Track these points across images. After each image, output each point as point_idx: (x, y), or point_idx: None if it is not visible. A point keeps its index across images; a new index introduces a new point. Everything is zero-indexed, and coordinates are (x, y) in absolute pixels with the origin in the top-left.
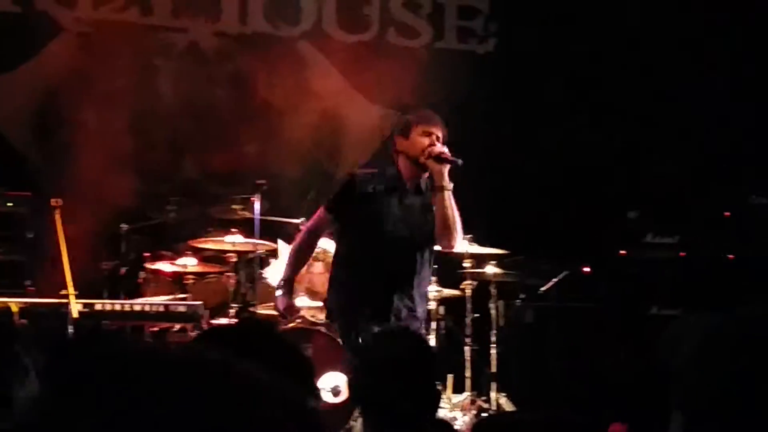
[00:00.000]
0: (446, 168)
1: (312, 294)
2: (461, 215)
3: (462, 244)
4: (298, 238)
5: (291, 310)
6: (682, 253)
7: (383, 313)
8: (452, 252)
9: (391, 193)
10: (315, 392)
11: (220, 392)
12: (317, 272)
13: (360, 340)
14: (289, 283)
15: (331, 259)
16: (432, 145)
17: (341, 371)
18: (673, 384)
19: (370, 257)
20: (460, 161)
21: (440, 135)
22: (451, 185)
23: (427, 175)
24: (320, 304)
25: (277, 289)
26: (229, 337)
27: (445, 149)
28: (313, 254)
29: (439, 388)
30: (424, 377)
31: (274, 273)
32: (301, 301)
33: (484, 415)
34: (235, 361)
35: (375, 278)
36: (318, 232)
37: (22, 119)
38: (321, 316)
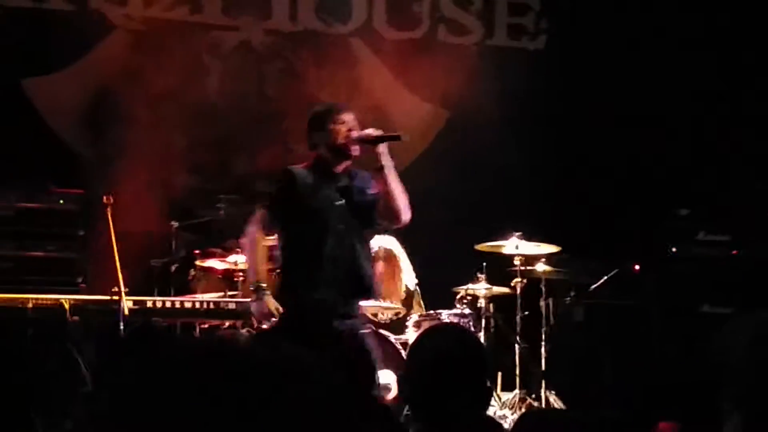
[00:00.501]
0: (384, 147)
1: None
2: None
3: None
4: (248, 245)
5: (268, 317)
6: (734, 251)
7: (342, 301)
8: (501, 252)
9: (326, 183)
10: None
11: (293, 386)
12: (378, 271)
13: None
14: (261, 289)
15: (392, 258)
16: (351, 130)
17: (391, 369)
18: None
19: (319, 250)
20: (403, 135)
21: (353, 119)
22: (391, 162)
23: (349, 163)
24: (382, 303)
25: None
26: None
27: (371, 130)
28: (375, 253)
29: (490, 386)
30: (475, 375)
31: None
32: None
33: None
34: (303, 354)
35: (326, 270)
36: (263, 233)
37: (75, 117)
38: (382, 315)
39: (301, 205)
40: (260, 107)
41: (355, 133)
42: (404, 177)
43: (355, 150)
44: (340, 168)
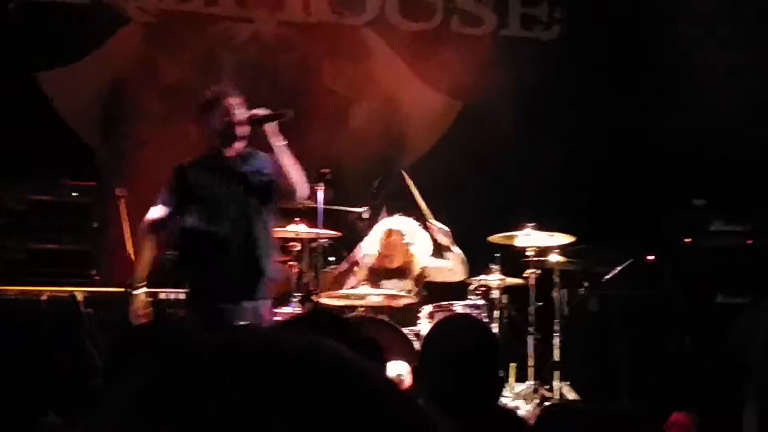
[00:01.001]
0: (272, 126)
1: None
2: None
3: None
4: (140, 241)
5: (138, 317)
6: (749, 241)
7: (241, 288)
8: (514, 243)
9: (219, 169)
10: None
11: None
12: (390, 251)
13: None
14: (136, 287)
15: (398, 237)
16: (234, 112)
17: (404, 360)
18: (748, 374)
19: (212, 235)
20: (290, 112)
21: (239, 102)
22: (282, 141)
23: (241, 144)
24: (393, 291)
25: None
26: (301, 326)
27: (257, 110)
28: (390, 230)
29: (502, 376)
30: (487, 366)
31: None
32: (365, 289)
33: (549, 403)
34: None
35: (219, 254)
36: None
37: (88, 110)
38: (393, 303)
39: (194, 195)
40: (274, 99)
41: (239, 115)
42: (418, 168)
43: (242, 131)
44: (231, 151)
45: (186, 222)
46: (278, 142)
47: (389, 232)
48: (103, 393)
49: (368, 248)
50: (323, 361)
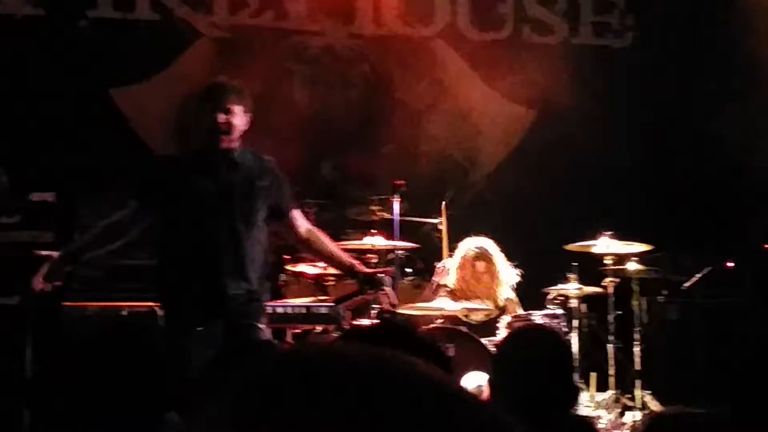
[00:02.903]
0: None
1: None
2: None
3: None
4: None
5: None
6: None
7: (220, 302)
8: (592, 252)
9: (202, 172)
10: None
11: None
12: (480, 271)
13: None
14: (69, 255)
15: (488, 258)
16: (220, 120)
17: (483, 371)
18: None
19: (191, 244)
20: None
21: (233, 106)
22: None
23: (230, 138)
24: (477, 305)
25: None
26: (370, 338)
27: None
28: (477, 252)
29: (580, 385)
30: (561, 374)
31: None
32: (443, 302)
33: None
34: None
35: (201, 267)
36: (124, 225)
37: (162, 126)
38: (474, 317)
39: (168, 197)
40: (345, 112)
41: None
42: (494, 177)
43: (223, 125)
44: (222, 146)
45: (163, 233)
46: None
47: (474, 256)
48: (203, 399)
49: (450, 275)
50: (394, 373)
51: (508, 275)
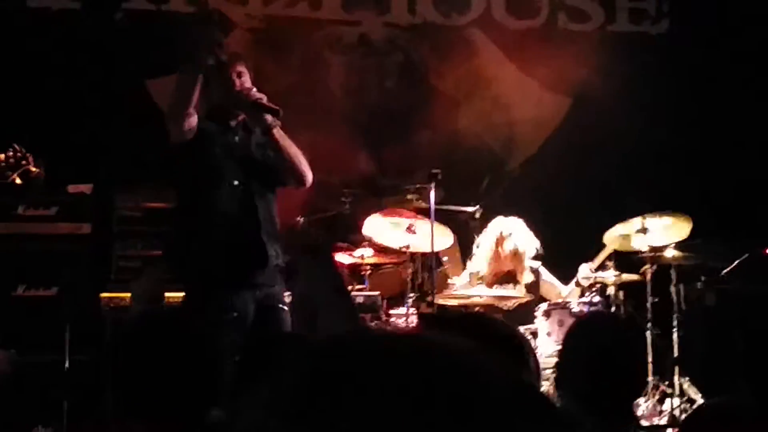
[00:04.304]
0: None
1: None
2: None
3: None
4: None
5: None
6: None
7: (264, 263)
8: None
9: (224, 133)
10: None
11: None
12: (506, 255)
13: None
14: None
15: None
16: (243, 85)
17: None
18: None
19: (223, 210)
20: (279, 111)
21: (245, 71)
22: (278, 123)
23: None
24: (503, 292)
25: None
26: (452, 326)
27: (263, 97)
28: (498, 237)
29: (644, 374)
30: (628, 364)
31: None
32: (479, 289)
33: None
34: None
35: (244, 232)
36: None
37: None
38: (507, 303)
39: (195, 157)
40: (381, 101)
41: (254, 94)
42: (530, 165)
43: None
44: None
45: (191, 197)
46: (276, 123)
47: (500, 238)
48: (243, 392)
49: (480, 260)
50: (465, 362)
51: (530, 251)
